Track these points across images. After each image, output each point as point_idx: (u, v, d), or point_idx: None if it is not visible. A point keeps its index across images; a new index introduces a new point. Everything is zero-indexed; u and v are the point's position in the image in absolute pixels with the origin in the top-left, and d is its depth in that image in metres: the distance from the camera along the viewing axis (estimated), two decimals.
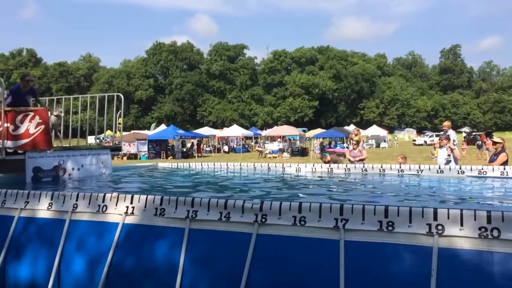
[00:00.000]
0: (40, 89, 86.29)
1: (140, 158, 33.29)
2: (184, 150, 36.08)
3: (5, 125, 5.87)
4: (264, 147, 36.48)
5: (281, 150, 35.63)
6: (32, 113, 6.05)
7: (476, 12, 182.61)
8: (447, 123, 10.86)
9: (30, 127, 5.97)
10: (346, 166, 7.96)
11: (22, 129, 5.96)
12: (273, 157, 33.13)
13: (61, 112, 7.30)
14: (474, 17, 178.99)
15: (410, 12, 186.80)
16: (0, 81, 6.43)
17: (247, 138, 47.46)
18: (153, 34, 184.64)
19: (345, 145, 32.96)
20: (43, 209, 3.81)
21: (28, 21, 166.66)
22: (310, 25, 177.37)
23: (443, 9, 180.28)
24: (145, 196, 3.46)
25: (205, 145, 42.10)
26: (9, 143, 5.88)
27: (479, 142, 28.85)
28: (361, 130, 32.91)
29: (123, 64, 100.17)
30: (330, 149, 34.44)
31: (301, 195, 5.51)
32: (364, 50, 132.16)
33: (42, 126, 6.00)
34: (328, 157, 11.73)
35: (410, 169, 7.28)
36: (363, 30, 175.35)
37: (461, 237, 2.68)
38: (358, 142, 12.29)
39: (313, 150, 34.20)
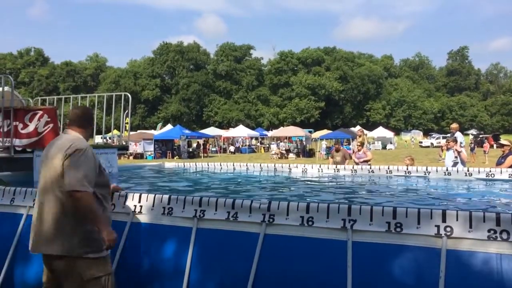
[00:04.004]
0: (47, 88, 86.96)
1: (146, 158, 33.41)
2: (190, 150, 36.15)
3: (14, 123, 5.92)
4: (279, 148, 36.27)
5: (287, 151, 35.60)
6: (40, 112, 6.10)
7: (485, 13, 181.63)
8: (454, 125, 10.81)
9: (39, 125, 6.02)
10: (353, 167, 7.95)
11: (30, 128, 6.01)
12: (279, 157, 33.12)
13: None
14: (483, 18, 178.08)
15: (417, 13, 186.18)
16: (9, 80, 6.49)
17: (253, 138, 47.48)
18: (160, 34, 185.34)
19: (350, 146, 32.87)
20: None
21: (35, 21, 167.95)
22: (317, 26, 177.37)
23: (450, 10, 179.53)
24: (153, 195, 3.47)
25: (211, 145, 42.17)
26: (17, 141, 5.93)
27: (472, 145, 28.66)
28: (366, 131, 32.85)
29: (130, 64, 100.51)
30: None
31: (308, 195, 5.51)
32: (371, 51, 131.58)
33: (51, 125, 6.05)
34: (337, 158, 11.74)
35: (417, 171, 7.25)
36: (370, 31, 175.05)
37: (470, 239, 2.67)
38: (362, 144, 12.29)
39: (319, 151, 34.14)
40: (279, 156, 33.78)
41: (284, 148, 36.08)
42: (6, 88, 6.97)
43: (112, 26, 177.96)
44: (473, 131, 65.33)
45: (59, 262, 2.86)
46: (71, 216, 2.84)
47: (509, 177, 6.50)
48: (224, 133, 47.42)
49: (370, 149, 27.26)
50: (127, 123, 9.44)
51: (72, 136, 3.01)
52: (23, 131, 5.97)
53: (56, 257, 2.86)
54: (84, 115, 3.19)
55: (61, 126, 7.34)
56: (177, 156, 34.17)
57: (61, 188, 2.82)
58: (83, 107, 3.63)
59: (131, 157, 33.18)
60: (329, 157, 14.90)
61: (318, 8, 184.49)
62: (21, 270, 3.76)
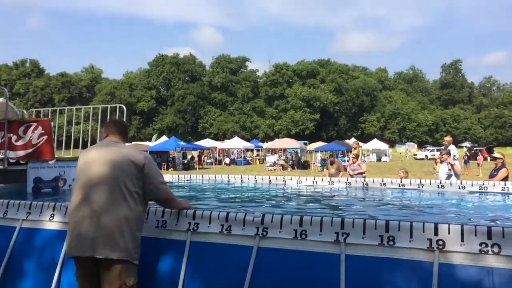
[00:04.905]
0: (42, 99, 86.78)
1: None
2: (185, 162, 36.08)
3: (8, 135, 5.91)
4: (282, 159, 36.14)
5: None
6: (35, 124, 6.10)
7: (478, 28, 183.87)
8: (448, 138, 10.89)
9: (33, 137, 6.01)
10: (347, 180, 7.97)
11: (25, 140, 5.99)
12: (274, 169, 33.09)
13: None
14: (476, 33, 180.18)
15: (412, 27, 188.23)
16: (4, 91, 6.49)
17: (248, 150, 47.46)
18: (156, 45, 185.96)
19: (345, 158, 32.95)
20: (45, 220, 3.82)
21: (32, 32, 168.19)
22: (313, 39, 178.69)
23: (444, 25, 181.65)
24: (147, 207, 3.47)
25: (206, 157, 42.11)
26: (12, 153, 5.91)
27: (465, 157, 28.88)
28: (361, 144, 32.97)
29: (125, 76, 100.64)
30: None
31: (302, 208, 5.52)
32: (365, 64, 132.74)
33: (45, 137, 6.04)
34: (332, 170, 11.79)
35: (411, 183, 7.28)
36: (365, 44, 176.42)
37: (461, 253, 2.69)
38: (357, 156, 12.35)
39: (314, 163, 34.17)
40: (281, 168, 33.55)
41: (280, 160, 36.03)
42: (0, 100, 6.97)
43: (108, 37, 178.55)
44: (467, 144, 65.74)
45: (112, 267, 2.88)
46: (133, 221, 2.98)
47: (502, 190, 6.54)
48: (219, 144, 47.38)
49: (364, 161, 27.32)
50: None
51: (127, 146, 3.31)
52: (17, 143, 5.95)
53: (112, 262, 2.87)
54: (127, 128, 3.57)
55: (55, 138, 7.33)
56: (172, 168, 34.08)
57: (131, 193, 3.00)
58: (124, 121, 3.94)
59: None
60: (324, 169, 14.94)
61: (314, 22, 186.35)
62: (13, 283, 3.73)
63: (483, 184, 6.78)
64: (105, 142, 3.27)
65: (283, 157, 37.23)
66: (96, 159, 3.08)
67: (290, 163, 36.10)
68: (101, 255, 2.87)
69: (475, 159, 30.55)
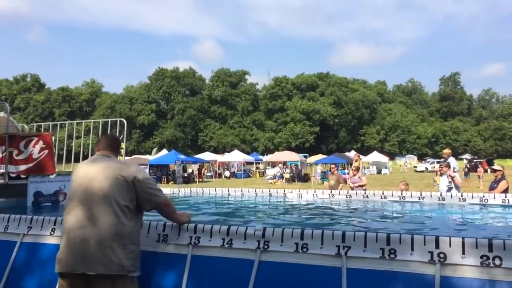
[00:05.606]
0: (43, 113, 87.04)
1: None
2: (185, 175, 36.05)
3: (9, 149, 5.93)
4: (287, 172, 36.11)
5: (281, 176, 35.56)
6: (36, 138, 6.13)
7: (477, 40, 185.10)
8: (447, 151, 10.91)
9: (34, 151, 6.03)
10: (347, 192, 7.96)
11: (25, 154, 6.01)
12: (274, 182, 33.04)
13: None
14: (475, 45, 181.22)
15: (410, 40, 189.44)
16: (5, 106, 6.53)
17: (248, 163, 47.45)
18: (156, 60, 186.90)
19: (346, 171, 32.93)
20: (46, 234, 3.81)
21: (32, 46, 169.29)
22: (312, 52, 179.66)
23: (441, 37, 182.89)
24: (148, 222, 3.47)
25: (206, 170, 42.08)
26: (12, 168, 5.93)
27: (466, 169, 28.96)
28: (361, 156, 33.02)
29: (126, 90, 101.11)
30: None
31: (303, 221, 5.51)
32: (364, 77, 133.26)
33: (46, 151, 6.06)
34: (331, 182, 11.80)
35: (411, 196, 7.27)
36: (364, 57, 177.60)
37: (463, 266, 2.68)
38: (358, 168, 12.36)
39: (314, 176, 34.14)
40: (284, 181, 33.46)
41: (279, 173, 35.98)
42: (1, 114, 7.01)
43: (109, 51, 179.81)
44: (467, 156, 65.70)
45: (107, 281, 2.88)
46: (126, 235, 2.97)
47: (502, 202, 6.53)
48: (219, 158, 47.40)
49: (365, 174, 27.30)
50: (122, 148, 9.45)
51: (118, 160, 3.32)
52: (18, 158, 5.97)
53: (106, 277, 2.86)
54: (119, 142, 3.57)
55: (56, 152, 7.34)
56: (172, 181, 34.04)
57: (122, 208, 2.98)
58: (116, 136, 3.93)
59: None
60: (325, 182, 14.96)
61: (313, 35, 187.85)
62: None
63: (484, 196, 6.77)
64: (95, 157, 3.27)
65: (287, 170, 37.20)
66: (86, 174, 3.08)
67: (290, 176, 36.10)
68: (94, 271, 2.85)
69: (476, 171, 30.53)
